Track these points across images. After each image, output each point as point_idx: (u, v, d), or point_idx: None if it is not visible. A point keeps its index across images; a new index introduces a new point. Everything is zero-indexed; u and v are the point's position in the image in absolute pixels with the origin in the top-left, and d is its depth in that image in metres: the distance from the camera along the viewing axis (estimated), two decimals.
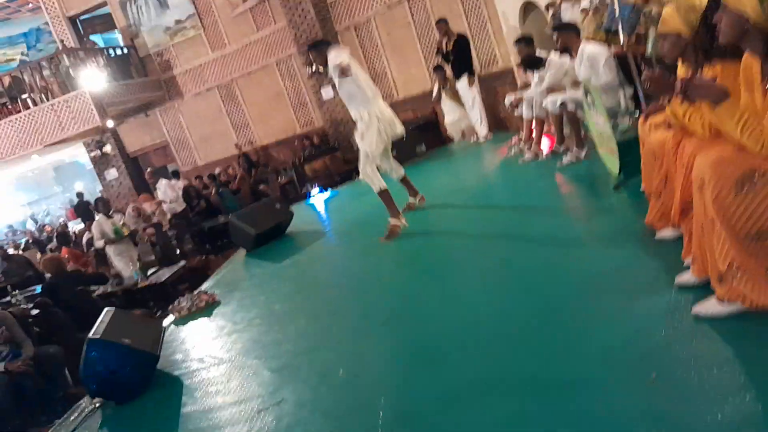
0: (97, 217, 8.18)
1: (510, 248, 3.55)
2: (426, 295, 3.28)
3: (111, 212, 9.47)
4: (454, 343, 2.55)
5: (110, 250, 7.88)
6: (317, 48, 4.66)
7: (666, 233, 2.70)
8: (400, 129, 4.67)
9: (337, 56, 4.26)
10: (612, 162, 3.96)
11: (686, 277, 2.26)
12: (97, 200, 9.78)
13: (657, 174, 2.60)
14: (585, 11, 4.69)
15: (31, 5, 15.20)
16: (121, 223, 8.65)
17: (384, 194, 4.59)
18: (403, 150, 8.23)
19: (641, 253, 2.71)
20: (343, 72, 4.16)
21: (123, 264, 7.62)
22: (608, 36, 4.02)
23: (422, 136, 8.72)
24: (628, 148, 3.61)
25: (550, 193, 4.45)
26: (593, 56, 4.52)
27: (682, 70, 2.45)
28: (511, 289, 2.95)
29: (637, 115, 4.29)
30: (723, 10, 1.91)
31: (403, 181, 5.13)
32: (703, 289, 2.10)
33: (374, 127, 4.45)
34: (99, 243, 7.97)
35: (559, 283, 2.77)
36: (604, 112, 3.89)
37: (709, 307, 2.02)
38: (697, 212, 2.05)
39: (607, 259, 2.82)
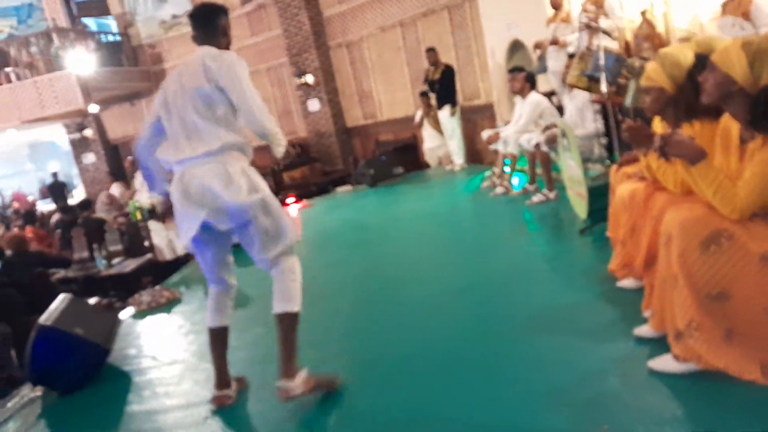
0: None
1: (469, 276, 3.61)
2: (380, 312, 3.33)
3: None
4: (398, 367, 2.56)
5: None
6: None
7: (627, 282, 2.74)
8: None
9: None
10: (580, 206, 4.07)
11: (644, 330, 2.26)
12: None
13: (624, 223, 2.63)
14: (571, 56, 4.86)
15: None
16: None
17: None
18: (380, 170, 8.35)
19: (601, 299, 2.75)
20: None
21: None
22: (590, 83, 4.15)
23: (400, 159, 8.83)
24: (598, 195, 3.72)
25: (516, 229, 4.54)
26: (584, 104, 4.67)
27: (657, 125, 2.49)
28: (465, 318, 2.98)
29: (608, 163, 4.42)
30: (711, 70, 1.92)
31: None
32: (660, 343, 2.08)
33: None
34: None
35: (515, 316, 2.81)
36: (578, 156, 4.01)
37: (665, 363, 2.01)
38: (661, 267, 2.05)
39: (566, 300, 2.86)
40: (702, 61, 2.12)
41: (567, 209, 4.37)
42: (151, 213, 7.34)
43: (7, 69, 12.42)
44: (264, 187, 2.47)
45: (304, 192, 9.65)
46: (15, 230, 9.39)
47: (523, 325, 2.69)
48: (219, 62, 2.37)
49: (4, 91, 11.98)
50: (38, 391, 3.14)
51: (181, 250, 5.92)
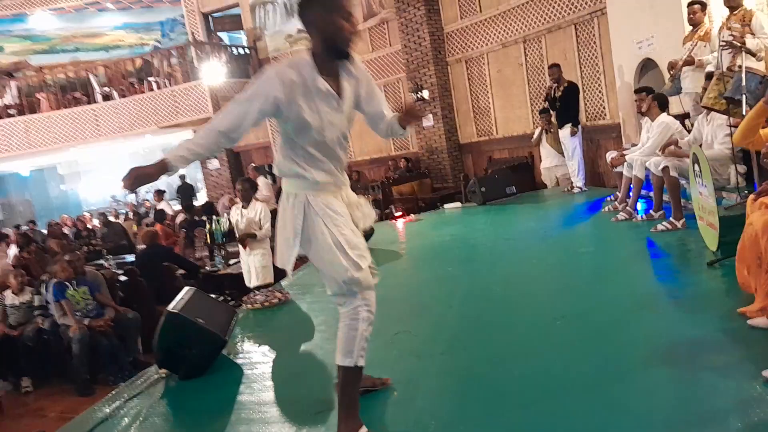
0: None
1: (584, 303, 3.46)
2: (485, 331, 3.27)
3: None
4: (503, 388, 2.50)
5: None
6: None
7: (760, 321, 2.52)
8: None
9: None
10: (711, 236, 3.78)
11: None
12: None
13: (755, 259, 2.46)
14: (708, 77, 4.54)
15: None
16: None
17: None
18: (492, 188, 8.22)
19: (728, 336, 2.55)
20: None
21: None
22: (729, 105, 3.86)
23: (514, 177, 8.63)
24: (730, 226, 3.44)
25: (638, 257, 4.28)
26: (721, 128, 4.36)
27: None
28: (578, 344, 2.85)
29: (746, 193, 4.07)
30: None
31: None
32: None
33: None
34: None
35: (632, 346, 2.67)
36: (711, 183, 3.73)
37: None
38: None
39: (688, 334, 2.68)
40: None
41: (696, 240, 4.07)
42: (227, 235, 6.98)
43: (150, 78, 13.66)
44: (298, 223, 2.16)
45: (411, 206, 9.71)
46: (145, 227, 10.20)
47: (640, 356, 2.54)
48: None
49: (146, 99, 13.16)
50: (163, 373, 3.38)
51: (261, 279, 5.58)
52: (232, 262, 7.23)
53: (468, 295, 4.14)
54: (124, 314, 5.83)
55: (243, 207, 5.86)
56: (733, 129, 4.15)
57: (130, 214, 14.74)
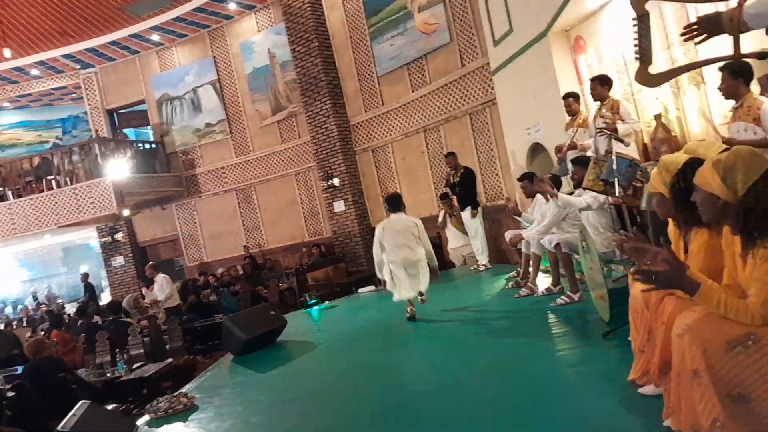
0: None
1: (490, 381, 3.54)
2: (406, 419, 3.25)
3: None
4: None
5: None
6: None
7: (648, 389, 2.65)
8: None
9: None
10: (603, 308, 4.00)
11: None
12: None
13: (641, 329, 2.58)
14: (576, 161, 4.98)
15: (74, 95, 16.21)
16: None
17: None
18: None
19: (622, 408, 2.67)
20: None
21: None
22: (605, 187, 4.22)
23: None
24: (620, 297, 3.66)
25: (538, 332, 4.45)
26: (603, 207, 4.73)
27: (671, 229, 2.52)
28: (483, 425, 2.88)
29: (630, 264, 4.38)
30: (696, 190, 2.01)
31: None
32: None
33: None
34: None
35: (531, 427, 2.73)
36: (597, 257, 4.00)
37: None
38: (675, 362, 2.00)
39: (585, 410, 2.78)
40: (690, 166, 2.20)
41: (592, 311, 4.29)
42: None
43: (50, 177, 13.14)
44: None
45: (327, 293, 9.66)
46: (40, 333, 9.47)
47: None
48: None
49: (45, 198, 12.60)
50: None
51: None
52: (135, 366, 6.81)
53: (384, 384, 4.09)
54: None
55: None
56: (610, 207, 4.52)
57: (25, 320, 13.66)
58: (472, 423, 3.04)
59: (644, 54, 2.45)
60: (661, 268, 1.95)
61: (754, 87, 3.93)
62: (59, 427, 3.00)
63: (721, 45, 2.40)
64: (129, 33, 13.40)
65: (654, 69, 2.55)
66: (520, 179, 5.71)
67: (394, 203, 5.89)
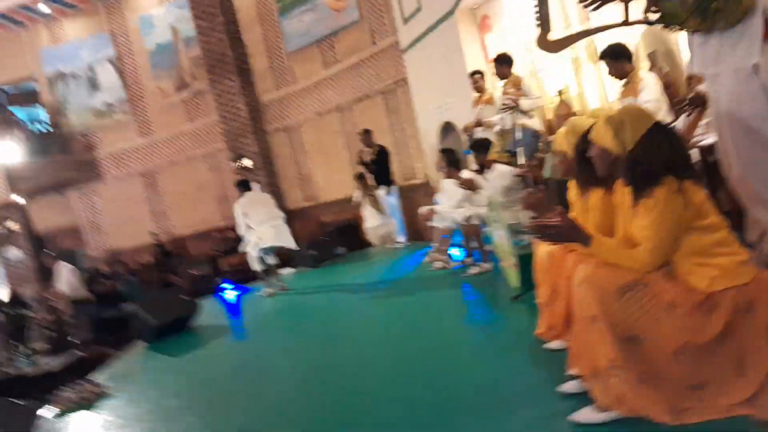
0: None
1: (402, 351, 3.64)
2: (317, 394, 3.28)
3: None
4: None
5: None
6: None
7: (554, 344, 2.81)
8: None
9: None
10: (512, 275, 4.19)
11: (569, 386, 2.34)
12: None
13: (546, 286, 2.73)
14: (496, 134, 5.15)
15: None
16: None
17: None
18: (322, 250, 8.37)
19: (528, 363, 2.83)
20: None
21: None
22: (511, 158, 4.40)
23: (342, 239, 8.88)
24: (528, 263, 3.84)
25: (453, 301, 4.60)
26: (501, 174, 4.92)
27: (572, 189, 2.67)
28: (394, 393, 2.96)
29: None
30: (591, 146, 2.18)
31: None
32: (585, 398, 2.15)
33: None
34: None
35: (444, 390, 2.82)
36: (506, 227, 4.17)
37: (586, 414, 2.09)
38: (576, 308, 2.11)
39: (495, 369, 2.92)
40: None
41: (502, 279, 4.48)
42: None
43: None
44: None
45: (244, 277, 9.46)
46: None
47: (455, 397, 2.70)
48: None
49: None
50: None
51: None
52: (39, 362, 6.42)
53: (297, 364, 4.08)
54: None
55: None
56: (517, 178, 4.72)
57: None
58: (385, 384, 3.12)
59: (544, 21, 2.57)
60: (556, 223, 2.07)
61: (644, 63, 4.22)
62: None
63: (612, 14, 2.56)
64: (14, 3, 12.35)
65: (553, 36, 2.69)
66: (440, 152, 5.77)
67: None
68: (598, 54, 5.11)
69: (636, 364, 1.95)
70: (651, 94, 3.79)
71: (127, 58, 12.89)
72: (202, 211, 12.59)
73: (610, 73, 4.05)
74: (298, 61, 10.80)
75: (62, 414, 4.04)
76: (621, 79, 4.04)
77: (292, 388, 3.53)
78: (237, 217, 6.62)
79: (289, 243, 6.74)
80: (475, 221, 4.89)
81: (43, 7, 12.68)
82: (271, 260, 6.88)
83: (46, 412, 4.12)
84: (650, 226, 1.95)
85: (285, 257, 10.17)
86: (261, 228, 6.50)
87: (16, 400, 3.91)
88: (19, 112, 14.45)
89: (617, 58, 3.91)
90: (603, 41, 4.26)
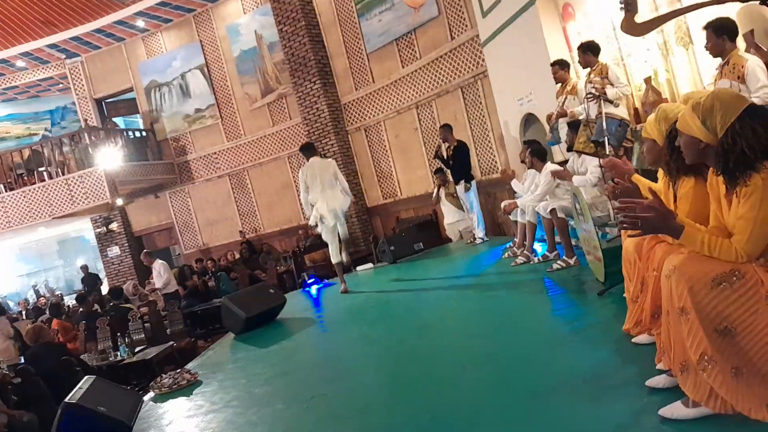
0: None
1: (493, 343, 3.61)
2: (402, 385, 3.29)
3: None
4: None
5: None
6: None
7: (642, 338, 2.73)
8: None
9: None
10: (598, 269, 4.06)
11: (657, 380, 2.27)
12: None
13: (634, 279, 2.66)
14: (572, 126, 4.99)
15: (61, 86, 16.06)
16: None
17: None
18: (401, 246, 8.41)
19: (616, 357, 2.75)
20: None
21: None
22: (597, 148, 4.25)
23: (421, 235, 8.89)
24: (614, 257, 3.72)
25: (535, 295, 4.52)
26: (587, 163, 4.78)
27: (661, 180, 2.56)
28: (490, 386, 2.95)
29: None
30: (679, 134, 2.06)
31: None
32: (674, 393, 2.10)
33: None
34: None
35: (536, 381, 2.79)
36: (591, 220, 4.04)
37: (676, 410, 2.02)
38: (664, 301, 2.03)
39: (583, 362, 2.85)
40: None
41: (587, 273, 4.35)
42: None
43: (41, 168, 13.07)
44: None
45: (325, 273, 9.69)
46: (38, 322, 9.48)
47: (542, 390, 2.67)
48: None
49: (38, 189, 12.55)
50: None
51: None
52: (137, 350, 6.87)
53: (383, 353, 4.16)
54: (19, 418, 5.32)
55: None
56: (602, 169, 4.56)
57: (23, 313, 13.67)
58: (474, 374, 3.11)
59: (630, 2, 2.46)
60: (647, 215, 1.98)
61: (741, 43, 3.95)
62: (67, 399, 3.04)
63: None
64: (113, 20, 13.23)
65: (639, 18, 2.57)
66: (524, 144, 5.68)
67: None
68: (690, 36, 4.88)
69: (729, 357, 1.85)
70: (762, 80, 3.55)
71: (215, 66, 13.51)
72: (287, 209, 13.01)
73: (706, 47, 3.81)
74: (377, 60, 10.91)
75: (158, 398, 4.31)
76: (716, 56, 3.81)
77: (382, 376, 3.59)
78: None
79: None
80: (560, 214, 4.77)
81: (141, 23, 13.52)
82: (344, 257, 7.04)
83: (146, 396, 4.41)
84: (747, 215, 1.84)
85: (365, 253, 10.35)
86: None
87: (120, 385, 4.20)
88: (119, 121, 15.51)
89: (719, 34, 3.68)
90: (695, 22, 4.03)
